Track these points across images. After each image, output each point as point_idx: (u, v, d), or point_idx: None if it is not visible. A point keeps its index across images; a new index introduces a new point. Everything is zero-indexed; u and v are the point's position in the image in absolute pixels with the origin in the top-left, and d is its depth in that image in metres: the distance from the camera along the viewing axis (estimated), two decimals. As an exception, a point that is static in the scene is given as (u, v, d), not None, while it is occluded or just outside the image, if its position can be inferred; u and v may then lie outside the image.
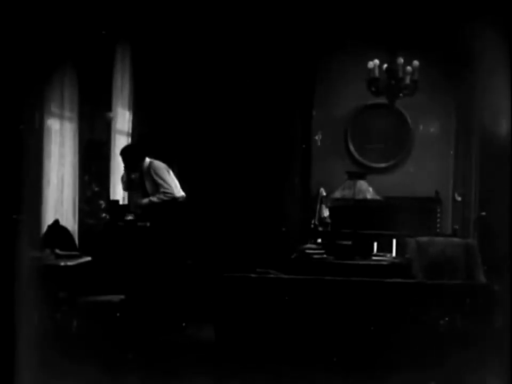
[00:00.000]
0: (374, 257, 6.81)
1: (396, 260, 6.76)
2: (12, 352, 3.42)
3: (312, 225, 8.49)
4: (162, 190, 7.01)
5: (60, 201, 6.57)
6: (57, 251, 5.74)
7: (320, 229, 8.29)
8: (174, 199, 7.04)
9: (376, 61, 7.23)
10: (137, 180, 7.19)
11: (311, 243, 7.35)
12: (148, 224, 7.05)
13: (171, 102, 8.64)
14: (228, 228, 8.66)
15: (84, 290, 5.78)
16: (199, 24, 8.49)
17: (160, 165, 7.13)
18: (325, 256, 6.69)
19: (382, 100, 7.83)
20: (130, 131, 8.01)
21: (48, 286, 5.11)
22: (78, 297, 5.69)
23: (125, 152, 7.16)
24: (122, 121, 7.95)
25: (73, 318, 5.56)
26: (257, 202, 8.79)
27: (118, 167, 7.50)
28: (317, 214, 8.59)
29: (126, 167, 7.16)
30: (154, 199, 7.04)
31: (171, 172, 7.21)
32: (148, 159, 7.15)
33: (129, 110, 8.04)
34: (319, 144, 8.80)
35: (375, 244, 7.30)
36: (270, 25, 8.55)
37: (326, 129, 8.98)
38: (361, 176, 7.31)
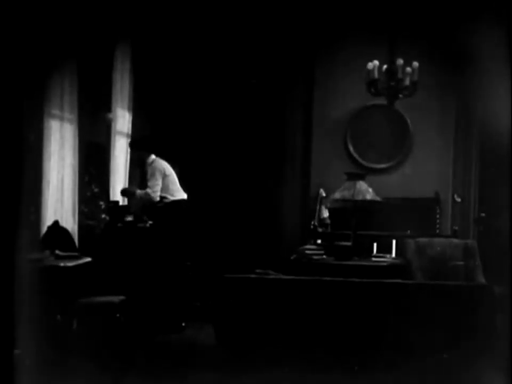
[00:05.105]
0: (373, 258, 6.81)
1: (396, 261, 6.76)
2: (12, 353, 3.42)
3: (311, 226, 8.49)
4: (147, 189, 7.05)
5: (59, 202, 6.57)
6: (57, 252, 5.75)
7: (320, 229, 8.29)
8: (152, 203, 7.06)
9: (376, 62, 7.21)
10: (140, 173, 7.24)
11: (310, 244, 7.35)
12: (148, 225, 7.06)
13: (171, 103, 8.65)
14: (228, 229, 8.66)
15: (83, 291, 5.79)
16: (198, 24, 8.50)
17: (158, 164, 7.13)
18: (324, 257, 6.70)
19: (382, 101, 7.82)
20: (130, 132, 8.02)
21: (48, 287, 5.12)
22: (78, 298, 5.69)
23: (133, 145, 7.31)
24: (122, 122, 7.95)
25: (73, 318, 5.56)
26: (257, 204, 8.79)
27: (117, 168, 7.50)
28: (316, 215, 8.59)
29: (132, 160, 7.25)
30: (138, 193, 7.09)
31: (172, 174, 7.20)
32: (153, 156, 7.17)
33: (129, 111, 8.05)
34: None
35: (375, 245, 7.30)
36: (270, 24, 8.57)
37: (325, 130, 8.98)
38: (361, 177, 7.30)
